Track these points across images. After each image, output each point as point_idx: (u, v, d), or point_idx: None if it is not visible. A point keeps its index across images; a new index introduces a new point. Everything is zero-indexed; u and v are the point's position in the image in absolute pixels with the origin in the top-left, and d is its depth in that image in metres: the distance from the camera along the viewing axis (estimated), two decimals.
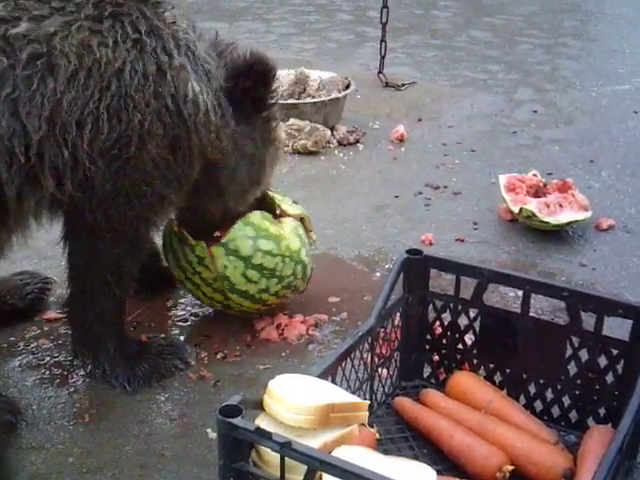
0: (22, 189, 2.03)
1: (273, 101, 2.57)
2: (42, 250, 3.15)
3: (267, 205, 2.79)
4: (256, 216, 2.65)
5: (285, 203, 2.85)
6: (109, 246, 2.29)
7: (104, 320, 2.43)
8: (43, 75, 1.95)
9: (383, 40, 5.47)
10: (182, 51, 2.18)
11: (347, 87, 4.71)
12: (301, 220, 2.82)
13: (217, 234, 2.74)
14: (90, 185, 2.10)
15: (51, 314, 2.82)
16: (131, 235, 2.31)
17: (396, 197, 3.86)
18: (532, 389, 2.28)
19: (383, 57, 5.54)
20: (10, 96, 1.93)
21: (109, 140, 2.05)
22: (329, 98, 4.53)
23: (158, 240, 2.96)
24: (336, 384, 1.98)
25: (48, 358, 2.61)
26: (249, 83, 2.39)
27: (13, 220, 2.10)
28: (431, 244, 3.38)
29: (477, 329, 2.34)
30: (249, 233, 2.62)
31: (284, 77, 4.76)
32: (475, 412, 2.18)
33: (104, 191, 2.14)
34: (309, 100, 4.53)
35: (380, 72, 5.58)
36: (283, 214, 2.79)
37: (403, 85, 5.53)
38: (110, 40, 2.04)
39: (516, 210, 3.46)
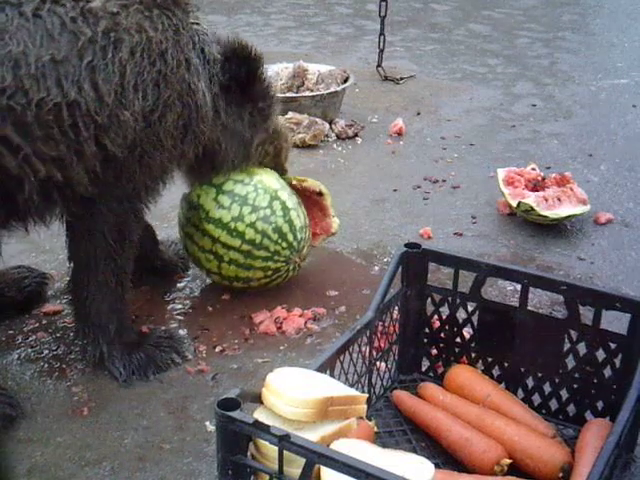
0: (84, 147, 2.18)
1: (263, 89, 2.78)
2: (40, 243, 3.15)
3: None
4: None
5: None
6: (112, 206, 2.39)
7: (106, 293, 2.47)
8: (114, 46, 2.19)
9: (382, 34, 5.46)
10: (196, 53, 2.45)
11: (346, 81, 4.71)
12: (319, 195, 2.99)
13: None
14: (126, 139, 2.27)
15: (49, 307, 2.82)
16: (134, 197, 2.44)
17: (395, 191, 3.86)
18: (530, 383, 2.29)
19: (382, 51, 5.54)
20: (90, 64, 2.14)
21: (147, 106, 2.28)
22: (328, 92, 4.52)
23: (158, 230, 2.97)
24: (334, 377, 1.98)
25: (47, 351, 2.61)
26: (234, 66, 2.60)
27: (77, 179, 2.22)
28: (430, 238, 3.38)
29: (475, 323, 2.34)
30: None
31: (282, 70, 4.76)
32: (473, 406, 2.19)
33: (122, 143, 2.27)
34: (307, 94, 4.53)
35: (379, 66, 5.57)
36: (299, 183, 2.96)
37: (402, 79, 5.53)
38: (159, 25, 2.29)
39: (515, 204, 3.46)
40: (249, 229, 2.71)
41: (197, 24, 2.47)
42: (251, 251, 2.73)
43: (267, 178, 2.81)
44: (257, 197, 2.74)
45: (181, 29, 2.36)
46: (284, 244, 2.76)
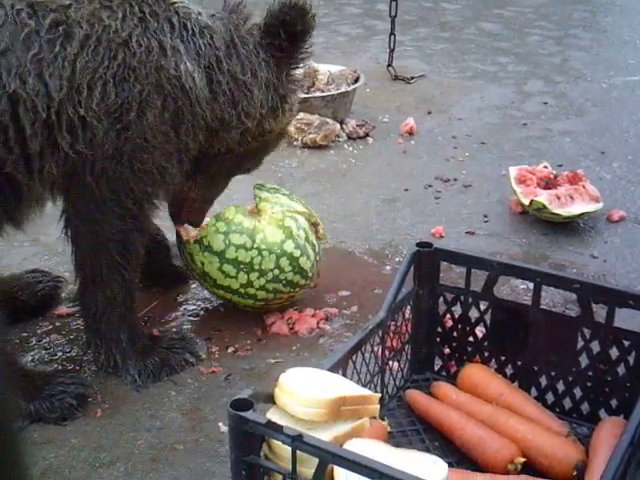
0: (43, 146, 2.14)
1: (306, 55, 2.57)
2: (53, 246, 3.17)
3: None
4: (230, 211, 2.68)
5: (286, 199, 2.82)
6: (115, 223, 2.33)
7: (115, 306, 2.45)
8: (63, 40, 2.11)
9: (392, 33, 5.45)
10: (175, 34, 2.30)
11: (356, 81, 4.70)
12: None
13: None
14: (97, 145, 2.19)
15: (63, 310, 2.84)
16: (136, 211, 2.36)
17: (406, 190, 3.86)
18: (543, 381, 2.28)
19: (392, 50, 5.53)
20: (36, 57, 2.07)
21: (115, 104, 2.18)
22: (338, 92, 4.52)
23: (169, 237, 2.97)
24: (347, 377, 1.98)
25: (60, 353, 2.62)
26: (289, 17, 2.45)
27: (37, 183, 2.19)
28: (441, 237, 3.37)
29: (488, 322, 2.33)
30: (220, 228, 2.66)
31: None
32: (486, 404, 2.18)
33: (107, 152, 2.21)
34: (318, 94, 4.52)
35: (389, 65, 5.57)
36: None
37: (412, 78, 5.52)
38: (120, 14, 2.20)
39: (527, 202, 3.45)
40: (260, 291, 2.68)
41: (174, 3, 2.32)
42: (266, 303, 2.74)
43: (269, 232, 2.65)
44: (263, 261, 2.64)
45: (148, 14, 2.23)
46: (297, 289, 2.76)
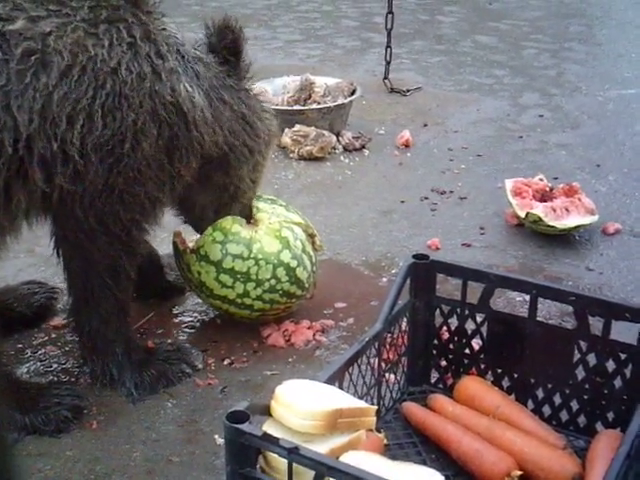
0: (10, 182, 2.03)
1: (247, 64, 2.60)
2: (49, 257, 3.13)
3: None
4: (227, 220, 2.68)
5: (283, 210, 2.82)
6: (104, 249, 2.31)
7: (109, 323, 2.44)
8: (36, 70, 1.99)
9: (388, 46, 5.47)
10: (173, 55, 2.26)
11: (352, 93, 4.71)
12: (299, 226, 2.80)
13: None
14: (82, 180, 2.12)
15: (58, 321, 2.83)
16: (125, 238, 2.33)
17: (402, 202, 3.86)
18: (540, 394, 2.27)
19: (388, 63, 5.55)
20: (3, 89, 1.95)
21: (103, 137, 2.09)
22: (334, 104, 4.53)
23: (161, 251, 2.97)
24: (343, 389, 1.98)
25: (55, 365, 2.61)
26: (224, 40, 2.47)
27: (3, 217, 2.09)
28: (437, 249, 3.38)
29: (484, 334, 2.33)
30: (218, 238, 2.65)
31: (289, 83, 4.78)
32: (483, 417, 2.17)
33: (96, 187, 2.16)
34: (315, 106, 4.54)
35: (385, 78, 5.58)
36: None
37: (408, 90, 5.53)
38: (106, 42, 2.09)
39: (523, 214, 3.46)
40: (256, 301, 2.67)
41: (164, 30, 2.30)
42: (262, 313, 2.74)
43: (266, 242, 2.65)
44: (259, 270, 2.63)
45: (139, 39, 2.15)
46: (294, 299, 2.75)
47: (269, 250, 2.64)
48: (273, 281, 2.65)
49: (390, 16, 5.36)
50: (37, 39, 2.00)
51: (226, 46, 2.48)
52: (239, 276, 2.63)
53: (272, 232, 2.68)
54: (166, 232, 2.89)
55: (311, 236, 2.82)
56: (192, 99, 2.27)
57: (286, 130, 4.39)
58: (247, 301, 2.67)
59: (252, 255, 2.63)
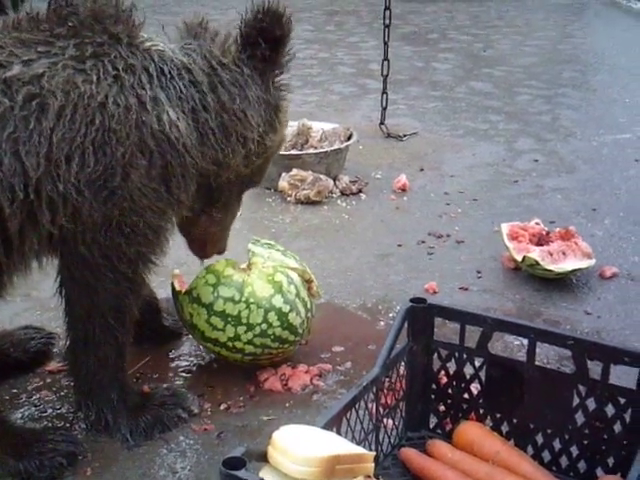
0: (23, 225, 2.07)
1: (287, 59, 2.53)
2: (45, 301, 3.15)
3: None
4: (220, 263, 2.69)
5: (280, 255, 2.82)
6: (109, 287, 2.30)
7: (106, 367, 2.42)
8: (38, 115, 2.03)
9: (384, 92, 5.54)
10: (154, 83, 2.22)
11: (349, 138, 4.76)
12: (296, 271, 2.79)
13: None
14: (80, 216, 2.14)
15: (54, 366, 2.81)
16: (131, 274, 2.32)
17: (399, 246, 3.87)
18: (540, 439, 2.26)
19: (385, 108, 5.61)
20: (12, 136, 2.00)
21: (95, 173, 2.10)
22: (331, 149, 4.57)
23: (163, 291, 2.97)
24: (341, 435, 1.96)
25: (50, 410, 2.59)
26: (266, 24, 2.36)
27: (16, 259, 2.13)
28: (435, 293, 3.37)
29: (483, 378, 2.32)
30: (210, 280, 2.65)
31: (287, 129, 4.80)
32: (483, 463, 2.15)
33: (95, 222, 2.16)
34: (312, 151, 4.57)
35: (382, 123, 5.64)
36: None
37: (405, 135, 5.58)
38: (94, 76, 2.12)
39: (519, 258, 3.46)
40: (248, 345, 2.65)
41: (148, 49, 2.26)
42: (254, 358, 2.72)
43: (258, 286, 2.63)
44: (250, 314, 2.60)
45: (122, 70, 2.15)
46: (286, 345, 2.73)
47: (261, 294, 2.63)
48: (264, 325, 2.63)
49: (386, 63, 5.43)
50: (34, 82, 2.04)
51: (262, 34, 2.37)
52: (230, 319, 2.62)
53: (265, 276, 2.67)
54: (163, 276, 2.88)
55: (308, 282, 2.81)
56: (177, 125, 2.23)
57: (283, 174, 4.41)
58: (238, 345, 2.65)
59: (243, 298, 2.62)
